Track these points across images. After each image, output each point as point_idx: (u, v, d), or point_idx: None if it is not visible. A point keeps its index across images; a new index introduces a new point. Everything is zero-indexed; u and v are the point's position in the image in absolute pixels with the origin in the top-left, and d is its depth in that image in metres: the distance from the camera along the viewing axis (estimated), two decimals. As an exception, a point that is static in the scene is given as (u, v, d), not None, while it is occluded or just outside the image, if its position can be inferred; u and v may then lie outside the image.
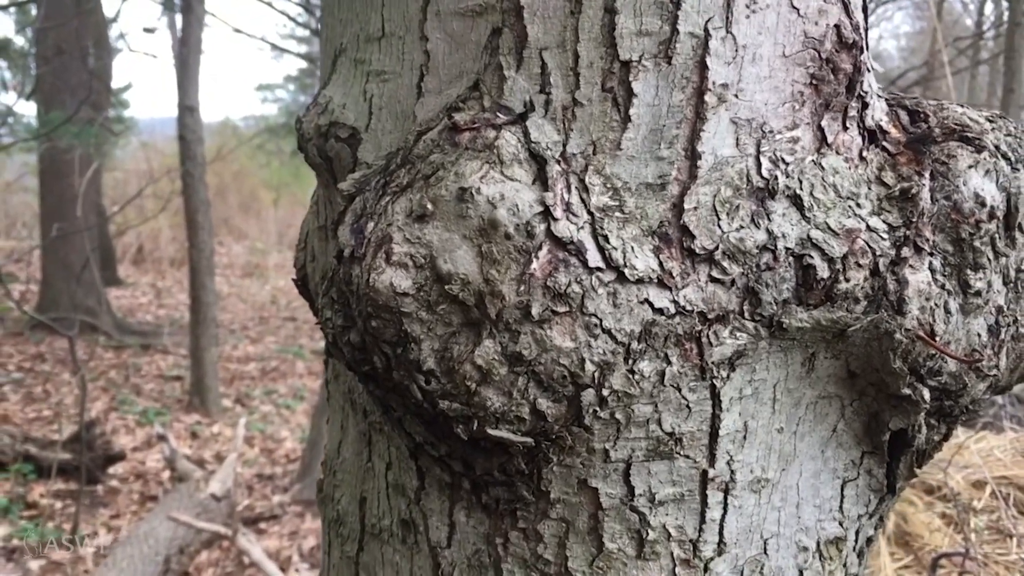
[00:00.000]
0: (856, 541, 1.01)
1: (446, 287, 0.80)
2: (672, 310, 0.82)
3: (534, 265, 0.79)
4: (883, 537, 3.94)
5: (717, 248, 0.83)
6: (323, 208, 1.03)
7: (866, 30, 0.93)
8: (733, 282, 0.84)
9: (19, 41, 12.26)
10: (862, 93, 0.91)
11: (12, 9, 12.44)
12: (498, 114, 0.83)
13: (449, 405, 0.83)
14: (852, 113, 0.90)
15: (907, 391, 0.91)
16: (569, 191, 0.81)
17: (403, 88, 0.90)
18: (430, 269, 0.81)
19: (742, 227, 0.84)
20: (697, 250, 0.83)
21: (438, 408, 0.84)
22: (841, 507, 0.98)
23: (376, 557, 1.02)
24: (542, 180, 0.81)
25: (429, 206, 0.81)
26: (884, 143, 0.93)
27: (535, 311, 0.80)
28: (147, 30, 17.23)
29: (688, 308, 0.83)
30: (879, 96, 0.96)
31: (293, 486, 6.68)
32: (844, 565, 1.01)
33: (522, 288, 0.79)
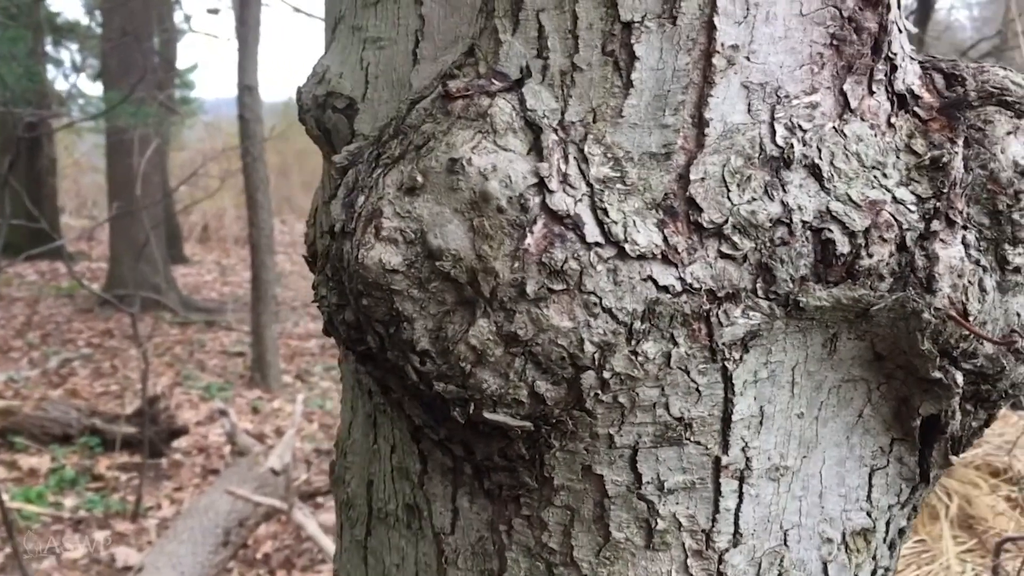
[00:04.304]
0: (887, 532, 0.95)
1: (437, 264, 0.76)
2: (678, 288, 0.77)
3: (528, 240, 0.75)
4: (946, 520, 3.82)
5: (726, 222, 0.77)
6: (328, 182, 1.00)
7: (898, -14, 0.86)
8: (745, 258, 0.78)
9: (86, 22, 12.54)
10: (890, 55, 0.85)
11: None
12: (493, 80, 0.79)
13: (444, 387, 0.80)
14: (879, 76, 0.84)
15: (938, 375, 0.84)
16: (567, 161, 0.77)
17: (399, 55, 0.86)
18: (421, 245, 0.77)
19: (754, 199, 0.78)
20: (705, 224, 0.77)
21: (434, 390, 0.80)
22: (869, 496, 0.92)
23: (383, 542, 1.00)
24: (538, 150, 0.76)
25: (419, 178, 0.77)
26: (915, 108, 0.86)
27: (530, 289, 0.75)
28: (211, 11, 17.36)
29: (695, 286, 0.77)
30: (912, 58, 0.89)
31: (351, 461, 6.71)
32: (874, 558, 0.95)
33: (516, 265, 0.75)
